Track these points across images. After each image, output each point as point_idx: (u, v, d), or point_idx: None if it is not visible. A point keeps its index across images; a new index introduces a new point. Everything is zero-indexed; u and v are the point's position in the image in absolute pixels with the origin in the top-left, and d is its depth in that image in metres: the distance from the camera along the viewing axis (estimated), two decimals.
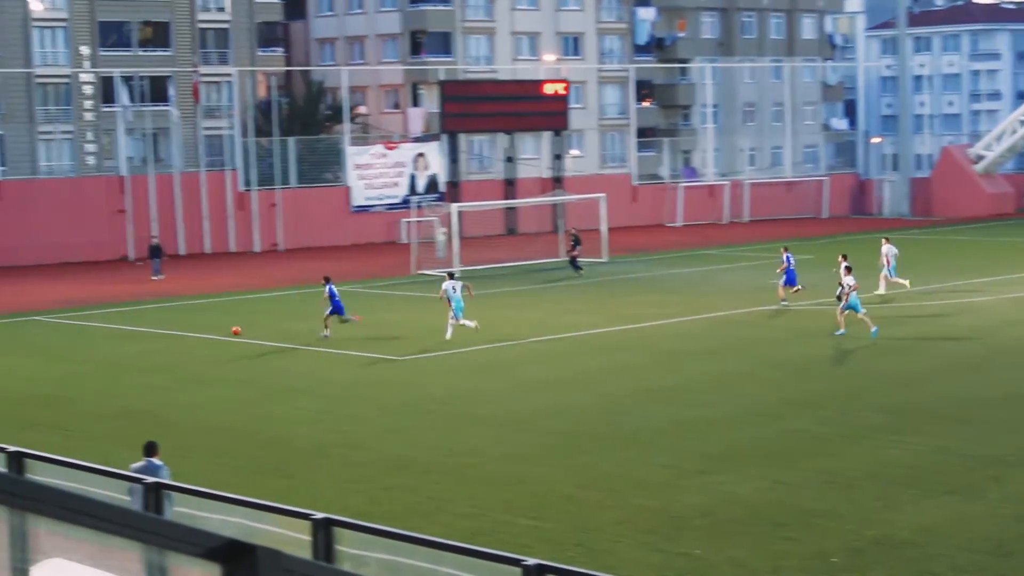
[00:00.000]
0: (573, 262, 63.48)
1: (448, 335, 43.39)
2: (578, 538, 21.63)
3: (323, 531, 9.89)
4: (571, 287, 58.64)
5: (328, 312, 44.98)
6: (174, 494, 13.29)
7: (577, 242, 64.04)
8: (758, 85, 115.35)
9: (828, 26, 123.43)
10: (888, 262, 52.33)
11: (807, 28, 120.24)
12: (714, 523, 22.32)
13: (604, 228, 70.30)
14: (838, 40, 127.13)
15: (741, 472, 25.63)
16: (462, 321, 43.55)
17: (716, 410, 31.62)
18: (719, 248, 76.35)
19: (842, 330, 42.45)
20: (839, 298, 43.10)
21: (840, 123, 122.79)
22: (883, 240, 53.91)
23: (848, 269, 43.27)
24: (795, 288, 49.72)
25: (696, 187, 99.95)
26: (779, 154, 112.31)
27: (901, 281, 51.85)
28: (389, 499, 24.33)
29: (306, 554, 9.68)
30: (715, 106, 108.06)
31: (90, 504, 3.62)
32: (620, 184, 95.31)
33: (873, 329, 41.74)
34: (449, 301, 43.77)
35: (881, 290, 51.69)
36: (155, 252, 67.62)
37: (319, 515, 9.97)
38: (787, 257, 50.24)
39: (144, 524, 3.82)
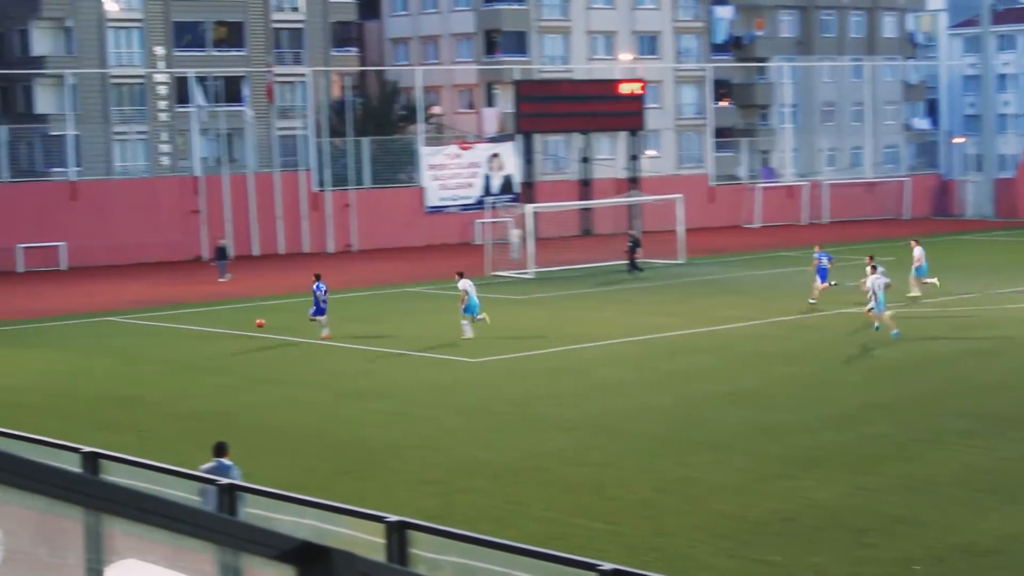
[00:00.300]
0: (632, 264, 63.33)
1: (469, 334, 44.12)
2: (654, 543, 21.55)
3: (397, 534, 9.89)
4: (647, 289, 58.48)
5: (312, 312, 45.58)
6: (246, 495, 13.35)
7: (636, 244, 63.85)
8: (838, 84, 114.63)
9: (910, 24, 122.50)
10: (919, 264, 52.85)
11: (888, 26, 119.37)
12: (793, 529, 22.17)
13: (681, 229, 70.06)
14: (920, 38, 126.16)
15: (821, 477, 25.45)
16: (478, 318, 44.45)
17: (795, 414, 31.42)
18: (798, 250, 75.85)
19: (895, 331, 42.43)
20: (868, 297, 43.38)
21: (922, 123, 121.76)
22: (912, 243, 54.29)
23: (874, 269, 43.60)
24: (824, 285, 50.81)
25: (774, 188, 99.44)
26: (859, 154, 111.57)
27: (931, 281, 52.26)
28: (463, 502, 24.34)
29: (380, 557, 9.69)
30: (794, 106, 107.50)
31: (165, 505, 3.62)
32: (697, 185, 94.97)
33: (894, 332, 42.15)
34: (466, 298, 44.64)
35: (914, 292, 52.10)
36: (221, 254, 68.03)
37: (393, 518, 9.98)
38: (819, 255, 51.41)
39: (219, 525, 3.82)
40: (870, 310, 43.22)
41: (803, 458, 27.05)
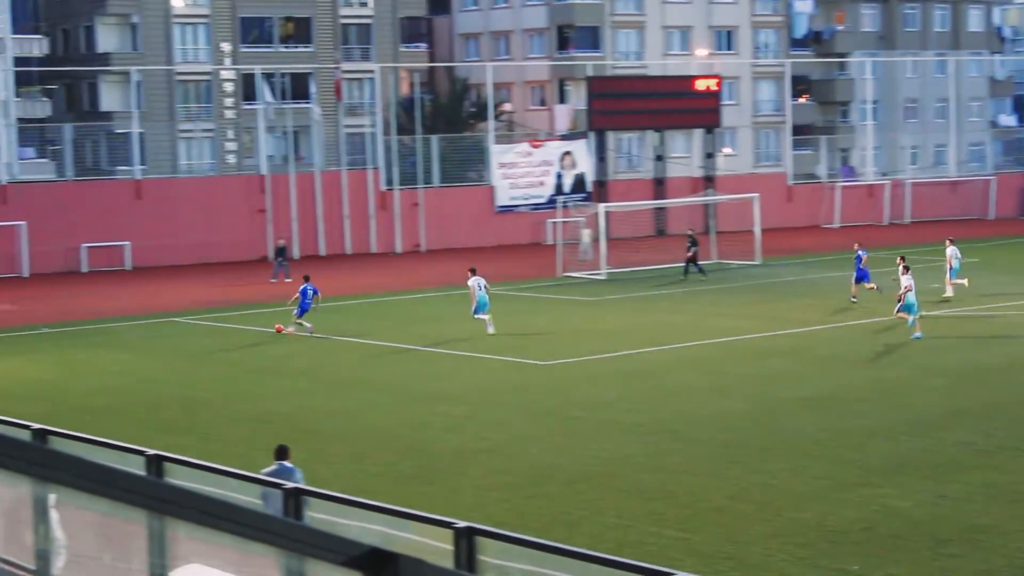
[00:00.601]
0: (693, 264, 62.99)
1: (491, 330, 45.54)
2: (728, 552, 21.48)
3: (466, 540, 9.92)
4: (722, 291, 58.29)
5: (297, 313, 47.12)
6: (311, 500, 13.42)
7: (694, 243, 63.56)
8: (921, 80, 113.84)
9: (996, 18, 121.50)
10: (951, 265, 53.56)
11: (974, 20, 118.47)
12: (873, 538, 22.04)
13: (758, 229, 69.83)
14: (1007, 32, 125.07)
15: (901, 485, 25.28)
16: (483, 317, 45.97)
17: (875, 419, 31.23)
18: (879, 251, 75.40)
19: (918, 333, 42.93)
20: (898, 299, 44.30)
21: (1008, 119, 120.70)
22: (947, 241, 55.04)
23: (906, 269, 44.64)
24: (869, 286, 52.31)
25: (854, 187, 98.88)
26: (943, 152, 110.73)
27: (960, 282, 53.02)
28: (533, 508, 24.35)
29: (448, 564, 9.72)
30: (875, 102, 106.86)
31: (231, 509, 3.65)
32: (775, 184, 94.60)
33: (917, 334, 42.72)
34: (475, 295, 46.27)
35: (948, 292, 52.86)
36: (280, 253, 68.29)
37: (461, 523, 10.01)
38: (859, 255, 53.11)
39: (285, 530, 3.85)
40: (899, 312, 44.16)
41: (883, 465, 26.87)
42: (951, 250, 53.64)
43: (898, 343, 42.73)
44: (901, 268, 45.00)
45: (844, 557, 21.05)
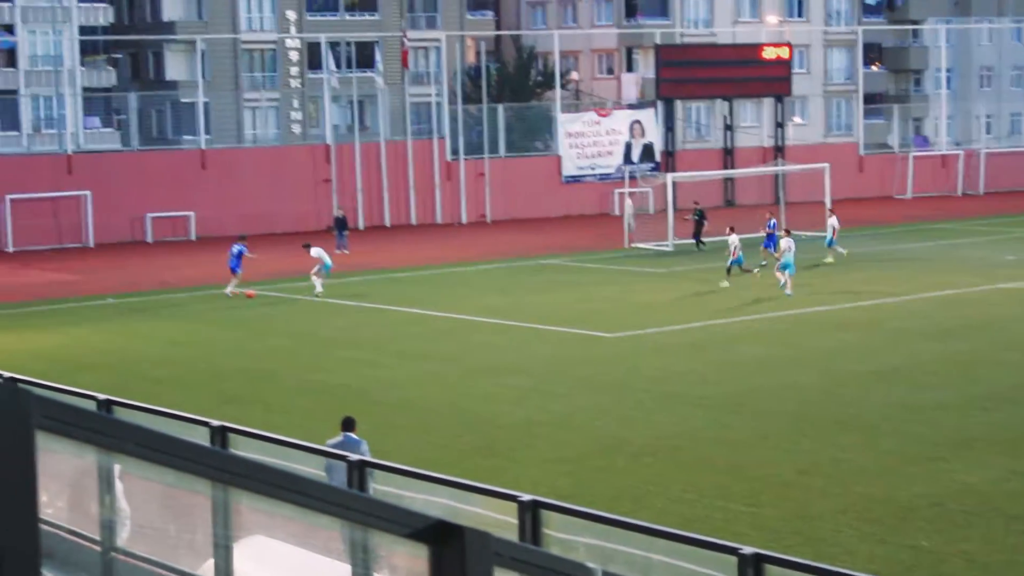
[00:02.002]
0: (697, 239, 62.83)
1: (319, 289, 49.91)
2: (797, 527, 21.45)
3: (530, 513, 9.96)
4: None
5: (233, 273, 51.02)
6: (375, 472, 13.49)
7: (702, 217, 63.04)
8: (996, 47, 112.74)
9: None
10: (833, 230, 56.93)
11: None
12: (943, 514, 21.94)
13: (828, 200, 69.40)
14: None
15: (973, 460, 25.15)
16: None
17: (946, 393, 31.07)
18: (952, 222, 74.87)
19: (789, 292, 47.24)
20: (777, 258, 49.32)
21: None
22: (829, 211, 57.06)
23: (787, 232, 50.72)
24: (755, 268, 53.31)
25: (927, 157, 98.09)
26: (1018, 121, 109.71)
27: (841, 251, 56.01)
28: (599, 482, 24.38)
29: (512, 537, 9.76)
30: (949, 70, 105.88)
31: (295, 480, 3.69)
32: (846, 154, 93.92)
33: (788, 292, 47.04)
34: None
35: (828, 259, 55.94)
36: (341, 224, 68.39)
37: (526, 497, 10.05)
38: (772, 222, 56.64)
39: (350, 502, 3.88)
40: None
41: (954, 440, 26.75)
42: (832, 219, 57.12)
43: (970, 315, 42.43)
44: (784, 232, 50.80)
45: (913, 533, 20.98)
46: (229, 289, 50.90)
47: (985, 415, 28.88)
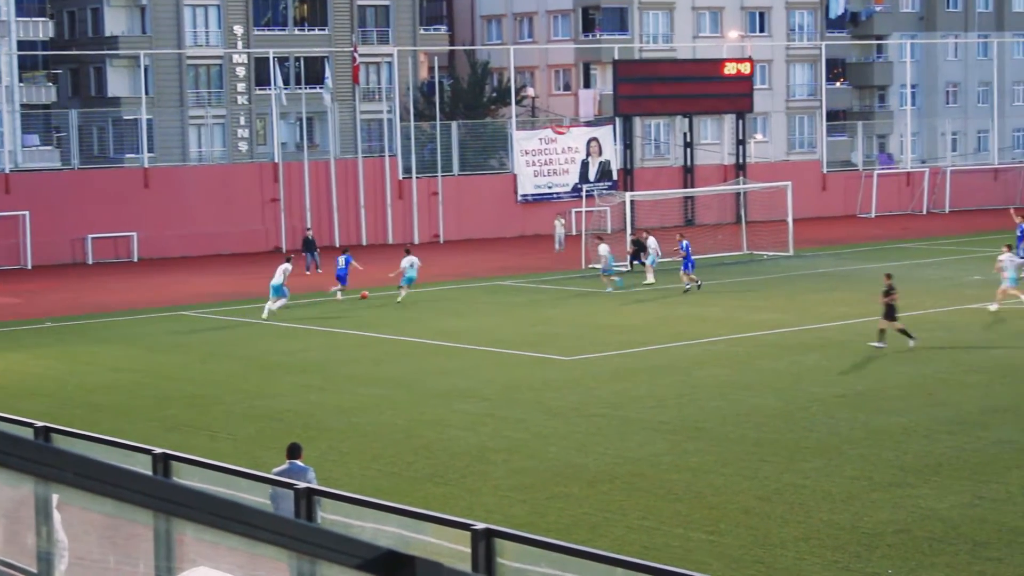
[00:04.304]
0: (633, 261, 63.43)
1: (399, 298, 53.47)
2: (758, 555, 21.51)
3: (484, 542, 9.97)
4: (753, 283, 58.28)
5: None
6: (323, 500, 13.48)
7: (640, 248, 62.96)
8: (963, 63, 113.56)
9: None
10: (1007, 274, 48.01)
11: (1018, 0, 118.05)
12: (908, 541, 22.04)
13: (790, 219, 69.75)
14: None
15: (939, 486, 25.28)
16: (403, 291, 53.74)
17: (911, 418, 31.21)
18: (917, 241, 75.32)
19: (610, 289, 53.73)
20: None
21: None
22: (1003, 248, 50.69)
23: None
24: (692, 276, 55.58)
25: (892, 175, 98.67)
26: (985, 139, 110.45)
27: (1016, 293, 47.61)
28: (555, 509, 24.40)
29: (466, 567, 9.78)
30: (914, 86, 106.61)
31: (241, 510, 3.70)
32: (808, 171, 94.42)
33: (609, 289, 53.04)
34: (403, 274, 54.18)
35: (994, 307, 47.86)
36: (308, 246, 68.67)
37: (480, 525, 10.06)
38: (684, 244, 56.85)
39: (296, 532, 3.89)
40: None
41: (919, 465, 26.87)
42: (1007, 257, 48.57)
43: (936, 338, 42.64)
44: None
45: (878, 561, 21.07)
46: (337, 295, 55.54)
47: (951, 439, 29.03)
